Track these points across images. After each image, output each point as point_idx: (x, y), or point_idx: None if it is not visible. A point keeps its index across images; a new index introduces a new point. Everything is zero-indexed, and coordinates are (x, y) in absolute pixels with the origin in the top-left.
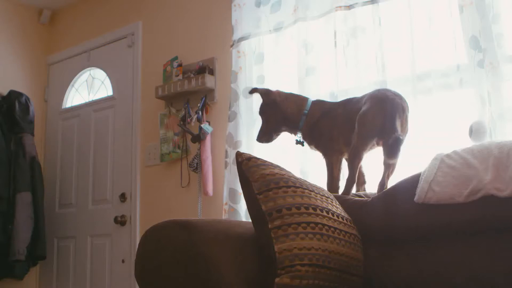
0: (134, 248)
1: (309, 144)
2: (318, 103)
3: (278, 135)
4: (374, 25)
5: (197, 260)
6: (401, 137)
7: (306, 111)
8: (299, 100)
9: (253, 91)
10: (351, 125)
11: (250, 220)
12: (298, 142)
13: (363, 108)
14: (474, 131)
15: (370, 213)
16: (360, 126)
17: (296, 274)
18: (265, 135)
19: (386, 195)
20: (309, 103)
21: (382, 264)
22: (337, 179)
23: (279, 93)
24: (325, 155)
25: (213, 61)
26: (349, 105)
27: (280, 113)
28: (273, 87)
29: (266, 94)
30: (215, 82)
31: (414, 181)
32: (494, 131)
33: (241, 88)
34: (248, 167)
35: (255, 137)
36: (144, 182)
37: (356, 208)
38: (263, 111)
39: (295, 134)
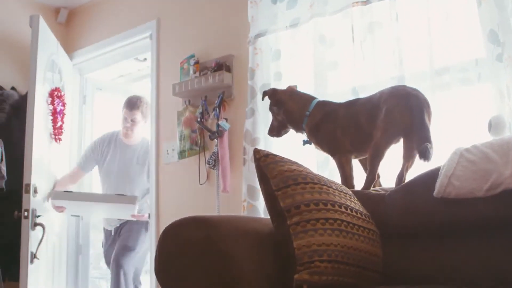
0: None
1: (315, 144)
2: (322, 104)
3: (286, 131)
4: (391, 20)
5: (216, 257)
6: (429, 148)
7: (308, 112)
8: (304, 100)
9: (263, 95)
10: (356, 126)
11: (268, 217)
12: (305, 142)
13: (386, 106)
14: (493, 126)
15: (388, 207)
16: (386, 124)
17: (315, 270)
18: (274, 131)
19: (405, 189)
20: (313, 104)
21: (401, 260)
22: (351, 178)
23: (284, 92)
24: (333, 155)
25: (230, 58)
26: (354, 106)
27: (284, 112)
28: (290, 84)
29: (272, 94)
30: (232, 79)
31: (433, 175)
32: None
33: (259, 85)
34: (266, 164)
35: None
36: (162, 180)
37: (375, 202)
38: (270, 109)
39: (301, 133)
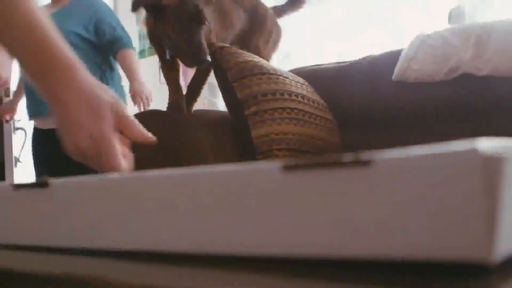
0: None
1: None
2: None
3: None
4: None
5: (179, 144)
6: None
7: None
8: None
9: None
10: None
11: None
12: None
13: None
14: (453, 17)
15: (349, 91)
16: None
17: (274, 158)
18: None
19: (368, 70)
20: None
21: (361, 149)
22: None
23: None
24: None
25: None
26: None
27: None
28: None
29: None
30: None
31: (395, 58)
32: (475, 16)
33: None
34: (222, 56)
35: None
36: None
37: (334, 86)
38: None
39: None
